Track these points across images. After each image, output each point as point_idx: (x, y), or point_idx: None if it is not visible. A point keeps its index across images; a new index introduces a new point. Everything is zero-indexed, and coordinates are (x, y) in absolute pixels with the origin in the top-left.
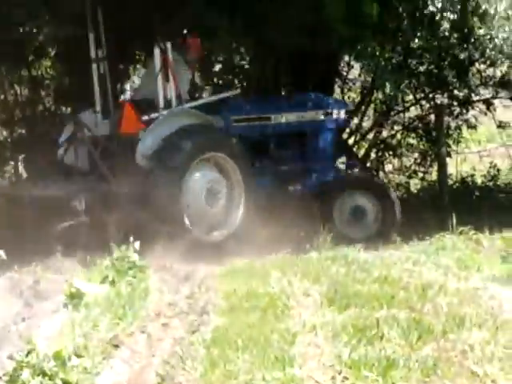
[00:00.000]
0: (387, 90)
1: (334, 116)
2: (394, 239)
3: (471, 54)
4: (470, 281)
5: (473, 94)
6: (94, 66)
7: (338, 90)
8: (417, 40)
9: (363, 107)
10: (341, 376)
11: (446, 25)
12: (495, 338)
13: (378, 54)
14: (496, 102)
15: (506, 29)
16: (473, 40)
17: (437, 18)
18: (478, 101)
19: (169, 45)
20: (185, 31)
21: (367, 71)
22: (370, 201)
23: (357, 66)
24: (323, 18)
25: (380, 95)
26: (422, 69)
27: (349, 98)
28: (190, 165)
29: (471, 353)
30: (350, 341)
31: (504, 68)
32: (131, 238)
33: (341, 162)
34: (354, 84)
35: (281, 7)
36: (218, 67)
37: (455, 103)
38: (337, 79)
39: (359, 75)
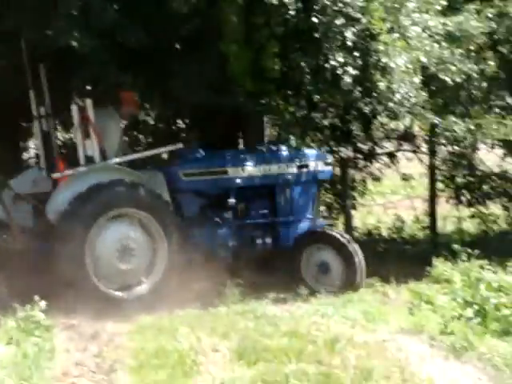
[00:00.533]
0: (292, 144)
1: (311, 168)
2: (302, 292)
3: (374, 107)
4: (377, 333)
5: (376, 147)
6: (37, 123)
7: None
8: (320, 94)
9: None
10: None
11: (348, 79)
12: None
13: (282, 108)
14: (399, 154)
15: (407, 82)
16: (375, 94)
17: (339, 72)
18: (382, 153)
19: (89, 102)
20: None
21: (272, 125)
22: (333, 256)
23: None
24: (228, 74)
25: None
26: (326, 122)
27: None
28: (97, 220)
29: None
30: None
31: (406, 121)
32: (36, 297)
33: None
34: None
35: (186, 63)
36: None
37: (360, 156)
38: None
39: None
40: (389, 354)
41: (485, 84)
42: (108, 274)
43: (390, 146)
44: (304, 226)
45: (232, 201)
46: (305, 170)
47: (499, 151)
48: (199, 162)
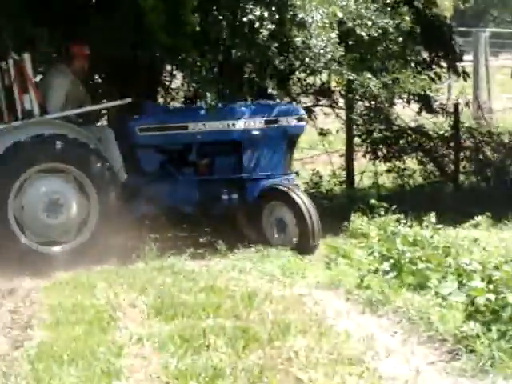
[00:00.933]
0: (208, 100)
1: (280, 123)
2: (221, 248)
3: (291, 62)
4: (294, 287)
5: (294, 103)
6: None
7: (161, 100)
8: (238, 49)
9: None
10: None
11: (265, 32)
12: (319, 344)
13: (199, 63)
14: (316, 109)
15: (324, 38)
16: (292, 49)
17: (256, 26)
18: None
19: (26, 56)
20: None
21: (189, 81)
22: (289, 214)
23: (179, 75)
24: (145, 28)
25: (203, 104)
26: (243, 78)
27: None
28: (21, 175)
29: (296, 359)
30: (176, 351)
31: (324, 76)
32: None
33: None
34: (177, 93)
35: (104, 17)
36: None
37: None
38: (160, 89)
39: (182, 85)
40: (306, 309)
41: (401, 39)
42: (33, 228)
43: (307, 101)
44: (271, 182)
45: (192, 156)
46: (273, 125)
47: (415, 106)
48: (156, 117)
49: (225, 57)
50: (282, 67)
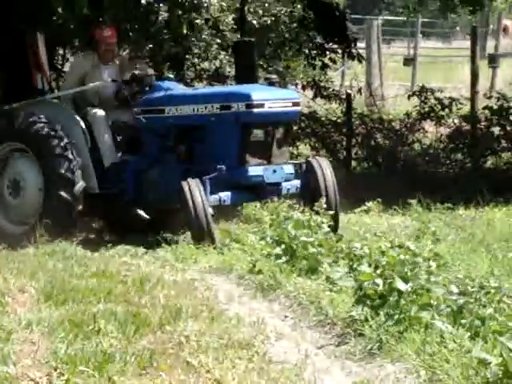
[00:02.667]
0: None
1: (233, 109)
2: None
3: (184, 48)
4: (186, 272)
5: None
6: None
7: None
8: (135, 32)
9: None
10: (56, 372)
11: (159, 18)
12: (210, 328)
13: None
14: None
15: (222, 21)
16: (186, 34)
17: (149, 9)
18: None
19: (39, 35)
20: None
21: None
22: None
23: (71, 58)
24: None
25: None
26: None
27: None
28: None
29: (187, 344)
30: (66, 336)
31: (217, 62)
32: None
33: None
34: None
35: None
36: None
37: None
38: (52, 72)
39: None
40: (198, 294)
41: (294, 25)
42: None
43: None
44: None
45: (170, 143)
46: (226, 111)
47: (310, 92)
48: (146, 100)
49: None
50: (176, 51)
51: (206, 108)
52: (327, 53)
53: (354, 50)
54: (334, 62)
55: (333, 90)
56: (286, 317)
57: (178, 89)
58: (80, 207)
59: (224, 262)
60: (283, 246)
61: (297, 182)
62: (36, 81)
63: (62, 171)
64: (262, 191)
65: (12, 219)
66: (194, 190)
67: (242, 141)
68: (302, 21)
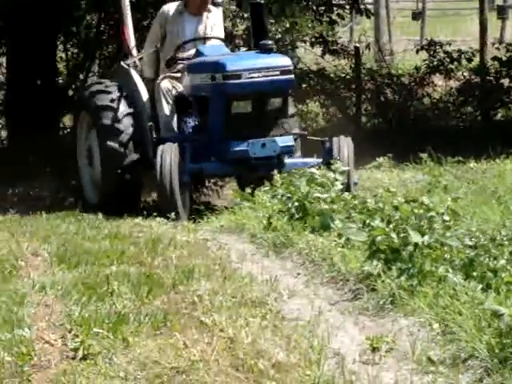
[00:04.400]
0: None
1: (216, 81)
2: None
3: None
4: (198, 232)
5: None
6: None
7: (61, 47)
8: None
9: (87, 63)
10: (71, 334)
11: None
12: (223, 287)
13: None
14: None
15: None
16: None
17: None
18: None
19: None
20: None
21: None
22: None
23: None
24: None
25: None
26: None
27: (72, 54)
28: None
29: (200, 303)
30: (80, 299)
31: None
32: None
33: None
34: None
35: None
36: None
37: None
38: (59, 35)
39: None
40: (210, 253)
41: None
42: None
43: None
44: None
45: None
46: (213, 82)
47: (318, 50)
48: None
49: None
50: None
51: (203, 78)
52: (335, 8)
53: (361, 5)
54: (342, 17)
55: (341, 46)
56: (298, 274)
57: (211, 55)
58: (134, 156)
59: (236, 222)
60: (295, 204)
61: (311, 160)
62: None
63: (108, 122)
64: (250, 166)
65: (94, 187)
66: (166, 154)
67: (224, 113)
68: None
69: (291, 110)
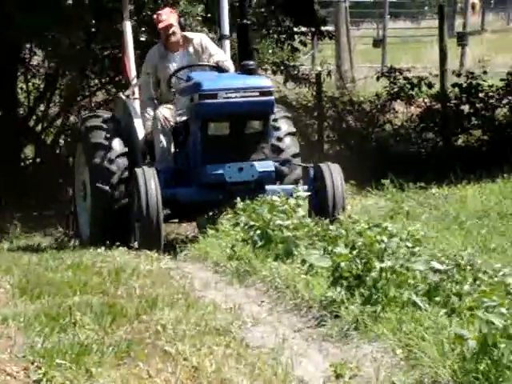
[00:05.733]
0: (71, 76)
1: (193, 102)
2: None
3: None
4: (162, 262)
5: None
6: None
7: (21, 78)
8: (98, 23)
9: (48, 94)
10: (34, 366)
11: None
12: (187, 316)
13: (60, 40)
14: None
15: None
16: None
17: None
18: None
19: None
20: None
21: (51, 57)
22: None
23: (40, 52)
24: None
25: (65, 81)
26: (105, 53)
27: (33, 84)
28: None
29: (164, 332)
30: (42, 330)
31: None
32: None
33: None
34: (38, 71)
35: None
36: None
37: None
38: (19, 66)
39: (43, 61)
40: (174, 282)
41: (262, 9)
42: None
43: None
44: None
45: None
46: (191, 103)
47: (280, 78)
48: None
49: (84, 31)
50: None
51: (184, 102)
52: (296, 36)
53: (323, 29)
54: (305, 44)
55: (302, 74)
56: (262, 302)
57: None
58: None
59: (199, 250)
60: (258, 231)
61: (291, 187)
62: (126, 78)
63: (100, 161)
64: (227, 191)
65: (87, 220)
66: (150, 180)
67: (201, 136)
68: (270, 4)
69: (290, 128)
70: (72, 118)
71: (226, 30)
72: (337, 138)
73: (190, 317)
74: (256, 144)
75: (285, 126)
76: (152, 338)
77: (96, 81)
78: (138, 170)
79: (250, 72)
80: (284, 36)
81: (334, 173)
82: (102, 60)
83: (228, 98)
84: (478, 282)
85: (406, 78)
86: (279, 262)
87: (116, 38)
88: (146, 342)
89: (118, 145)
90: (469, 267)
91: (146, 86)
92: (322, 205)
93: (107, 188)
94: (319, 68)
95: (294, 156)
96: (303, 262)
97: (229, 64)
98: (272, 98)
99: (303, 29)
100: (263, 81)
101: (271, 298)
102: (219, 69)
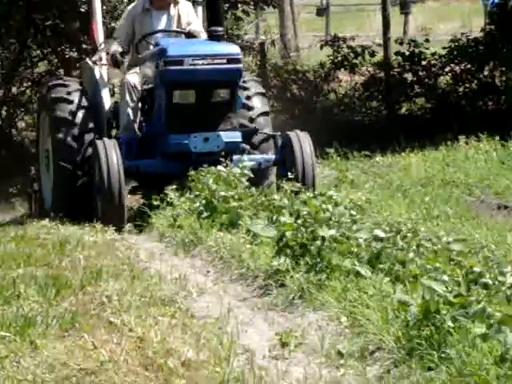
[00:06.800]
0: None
1: (158, 68)
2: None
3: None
4: (107, 233)
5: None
6: None
7: None
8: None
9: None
10: None
11: None
12: (132, 287)
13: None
14: None
15: None
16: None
17: None
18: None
19: None
20: None
21: None
22: None
23: None
24: None
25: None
26: (47, 24)
27: None
28: None
29: (109, 304)
30: None
31: None
32: None
33: None
34: None
35: None
36: None
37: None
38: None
39: None
40: (118, 253)
41: None
42: None
43: None
44: None
45: None
46: (156, 69)
47: None
48: None
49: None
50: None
51: (150, 68)
52: (239, 5)
53: None
54: (247, 13)
55: (246, 43)
56: (207, 272)
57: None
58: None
59: (143, 220)
60: (203, 201)
61: (262, 157)
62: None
63: (61, 114)
64: (191, 161)
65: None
66: (111, 152)
67: (165, 104)
68: None
69: (265, 107)
70: (14, 90)
71: None
72: (281, 107)
73: (135, 288)
74: (223, 113)
75: (258, 105)
76: (97, 309)
77: (38, 51)
78: (99, 142)
79: (218, 38)
80: (227, 5)
81: (302, 141)
82: (44, 30)
83: (194, 64)
84: (421, 250)
85: (349, 47)
86: (224, 232)
87: (58, 9)
88: (90, 313)
89: (83, 120)
90: (411, 234)
91: (119, 40)
92: (289, 171)
93: (69, 166)
94: (263, 37)
95: (267, 138)
96: (248, 231)
97: (203, 36)
98: (240, 65)
99: None
100: (231, 47)
101: (217, 268)
102: (190, 35)
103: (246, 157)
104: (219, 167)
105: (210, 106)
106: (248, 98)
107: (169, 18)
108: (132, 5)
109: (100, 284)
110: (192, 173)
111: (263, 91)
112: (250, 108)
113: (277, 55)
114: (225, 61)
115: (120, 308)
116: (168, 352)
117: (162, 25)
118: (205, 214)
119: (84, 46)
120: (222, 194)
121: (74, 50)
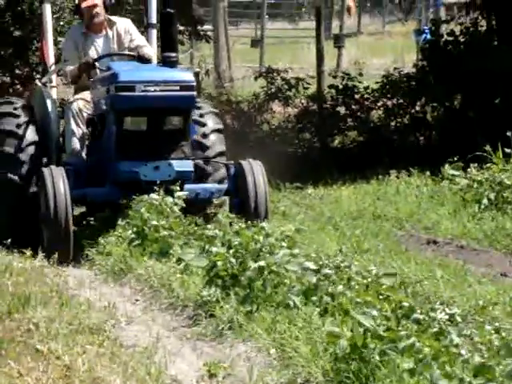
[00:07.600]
0: None
1: (109, 93)
2: None
3: (28, 31)
4: (36, 260)
5: (34, 72)
6: None
7: None
8: None
9: None
10: None
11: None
12: (60, 315)
13: None
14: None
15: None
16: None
17: None
18: (39, 78)
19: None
20: None
21: None
22: None
23: None
24: None
25: None
26: None
27: None
28: None
29: (36, 331)
30: None
31: None
32: None
33: None
34: None
35: None
36: None
37: (17, 81)
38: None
39: None
40: (47, 280)
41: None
42: None
43: None
44: None
45: None
46: (106, 94)
47: None
48: None
49: None
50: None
51: (101, 93)
52: None
53: (201, 31)
54: (182, 43)
55: None
56: (137, 300)
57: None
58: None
59: (75, 247)
60: (135, 229)
61: (214, 186)
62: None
63: (9, 150)
64: (141, 190)
65: None
66: (58, 181)
67: (115, 131)
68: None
69: (218, 125)
70: None
71: (154, 18)
72: None
73: (63, 315)
74: (175, 142)
75: (211, 123)
76: (24, 336)
77: None
78: (46, 170)
79: (171, 64)
80: None
81: (255, 170)
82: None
83: (146, 91)
84: (352, 283)
85: (283, 79)
86: (155, 261)
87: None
88: (17, 340)
89: (29, 134)
90: (342, 267)
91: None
92: (243, 204)
93: (16, 178)
94: (197, 67)
95: (220, 154)
96: (179, 260)
97: (149, 50)
98: (194, 93)
99: (180, 28)
100: (185, 74)
101: (146, 297)
102: (140, 59)
103: (196, 186)
104: (152, 195)
105: (161, 134)
106: (201, 115)
107: (107, 40)
108: (71, 28)
109: (28, 311)
110: (124, 201)
111: (216, 111)
112: (203, 124)
113: (211, 85)
114: (178, 88)
115: (47, 336)
116: (95, 381)
117: (102, 48)
118: (136, 242)
119: (17, 71)
120: (153, 222)
121: (6, 75)
